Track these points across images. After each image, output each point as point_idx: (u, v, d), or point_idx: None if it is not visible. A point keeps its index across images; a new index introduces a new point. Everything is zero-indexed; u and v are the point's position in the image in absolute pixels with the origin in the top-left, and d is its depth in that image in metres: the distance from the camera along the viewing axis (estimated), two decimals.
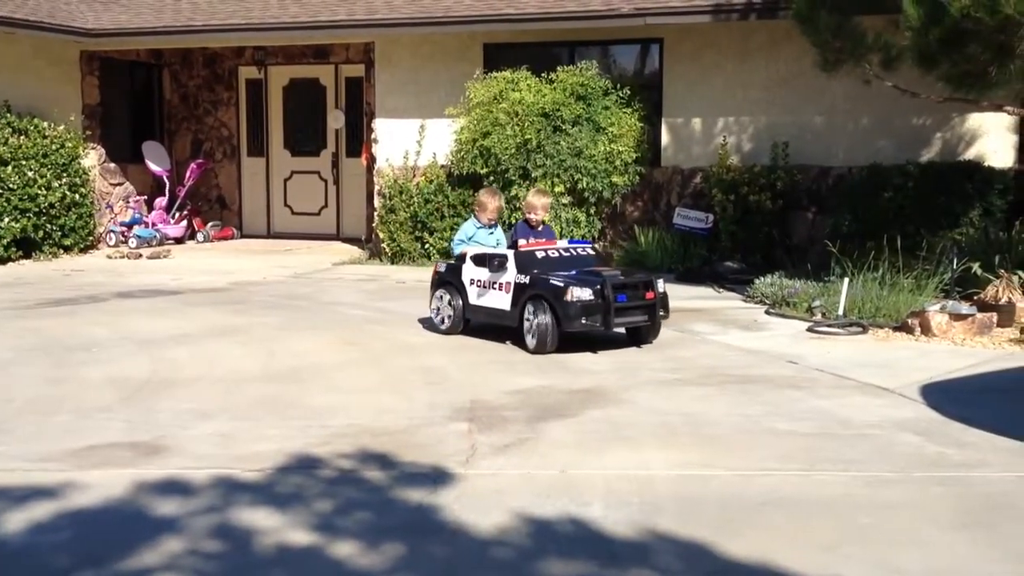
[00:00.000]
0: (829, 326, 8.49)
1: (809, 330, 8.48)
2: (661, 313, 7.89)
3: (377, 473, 5.00)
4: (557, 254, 8.10)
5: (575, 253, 8.18)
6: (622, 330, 7.99)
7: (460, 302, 8.34)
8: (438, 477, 4.95)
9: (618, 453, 5.34)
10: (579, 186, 12.03)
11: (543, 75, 12.52)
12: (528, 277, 7.84)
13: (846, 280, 8.96)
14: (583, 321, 7.58)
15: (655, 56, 13.10)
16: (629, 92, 12.32)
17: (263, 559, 4.04)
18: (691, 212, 12.21)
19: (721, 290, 10.72)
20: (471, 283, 8.27)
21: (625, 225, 12.81)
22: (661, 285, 7.90)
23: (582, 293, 7.57)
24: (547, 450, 5.41)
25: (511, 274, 7.95)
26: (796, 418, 5.97)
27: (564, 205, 12.13)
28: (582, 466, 5.13)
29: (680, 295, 10.37)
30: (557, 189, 11.96)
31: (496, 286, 8.06)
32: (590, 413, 6.09)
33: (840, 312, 8.73)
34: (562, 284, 7.61)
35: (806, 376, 7.01)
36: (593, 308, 7.57)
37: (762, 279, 10.12)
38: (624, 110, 12.26)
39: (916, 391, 6.53)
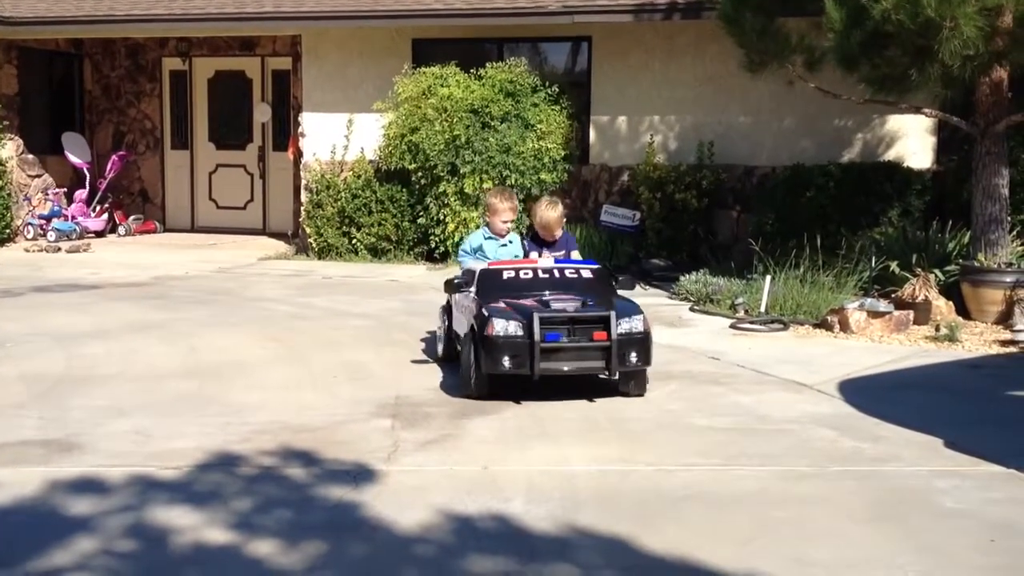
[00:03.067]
0: (751, 323, 8.61)
1: (732, 327, 8.60)
2: (635, 360, 6.14)
3: (298, 470, 4.95)
4: (530, 275, 6.57)
5: (559, 276, 6.61)
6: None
7: (448, 325, 7.19)
8: (359, 474, 4.92)
9: (540, 449, 5.36)
10: (508, 182, 12.01)
11: (472, 71, 12.49)
12: (483, 302, 6.37)
13: (768, 278, 9.10)
14: (506, 364, 6.03)
15: (584, 54, 13.16)
16: (558, 90, 12.36)
17: (179, 558, 3.97)
18: (618, 210, 12.29)
19: (647, 287, 10.81)
20: (455, 305, 7.03)
21: None
22: (634, 323, 6.15)
23: (508, 326, 6.03)
24: (469, 446, 5.40)
25: (472, 297, 6.55)
26: (716, 413, 6.05)
27: None
28: (504, 462, 5.14)
29: None
30: (486, 185, 11.94)
31: (464, 310, 6.69)
32: (513, 409, 6.10)
33: (762, 309, 8.86)
34: (486, 314, 6.15)
35: (727, 372, 7.10)
36: (520, 347, 6.02)
37: (687, 276, 10.23)
38: (553, 107, 12.30)
39: (834, 387, 6.66)
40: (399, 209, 12.57)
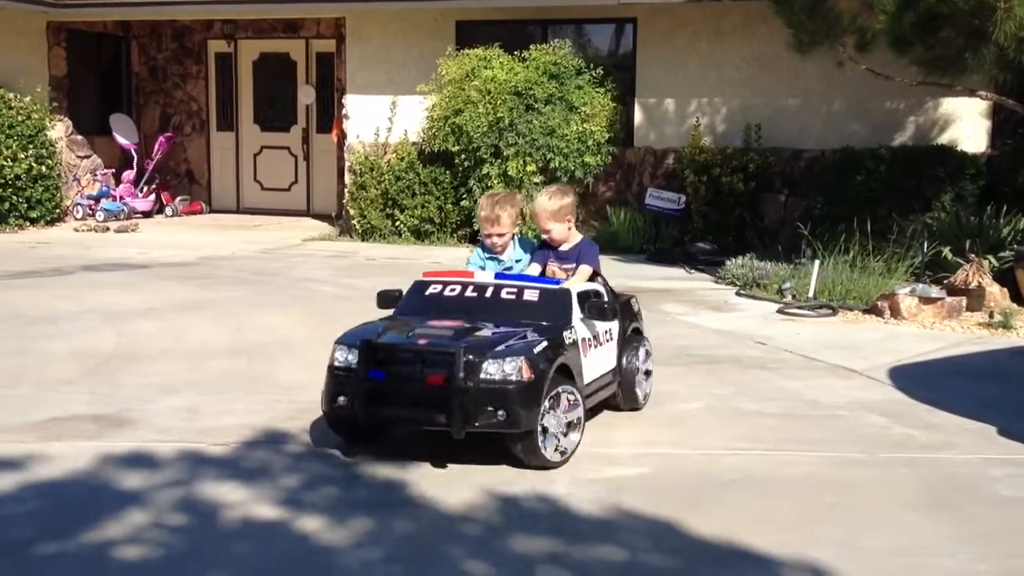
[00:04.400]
0: (799, 308, 8.51)
1: (779, 312, 8.50)
2: (500, 418, 4.51)
3: (345, 449, 4.96)
4: (457, 291, 5.11)
5: (491, 295, 5.06)
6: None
7: None
8: (405, 453, 4.91)
9: (585, 432, 5.32)
10: (551, 165, 11.98)
11: (516, 53, 12.44)
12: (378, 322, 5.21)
13: (817, 262, 9.00)
14: (340, 402, 4.73)
15: (629, 36, 13.06)
16: (602, 72, 12.28)
17: (228, 533, 4.01)
18: (663, 193, 12.20)
19: (692, 271, 10.73)
20: None
21: (597, 205, 12.78)
22: (506, 368, 4.53)
23: (348, 356, 4.75)
24: None
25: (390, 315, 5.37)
26: (764, 398, 5.98)
27: (536, 184, 12.08)
28: None
29: (651, 275, 10.43)
30: (529, 168, 11.92)
31: None
32: None
33: (810, 294, 8.76)
34: (339, 337, 4.95)
35: (775, 357, 7.02)
36: (350, 383, 4.68)
37: (733, 260, 10.14)
38: (597, 90, 12.22)
39: (884, 373, 6.56)
40: (442, 191, 12.56)
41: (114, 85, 16.34)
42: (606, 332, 5.32)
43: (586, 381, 5.03)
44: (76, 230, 13.75)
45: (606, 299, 5.35)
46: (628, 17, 12.79)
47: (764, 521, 4.16)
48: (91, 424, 5.30)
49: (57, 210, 14.22)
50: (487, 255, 5.57)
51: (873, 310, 8.35)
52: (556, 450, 4.70)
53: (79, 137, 15.26)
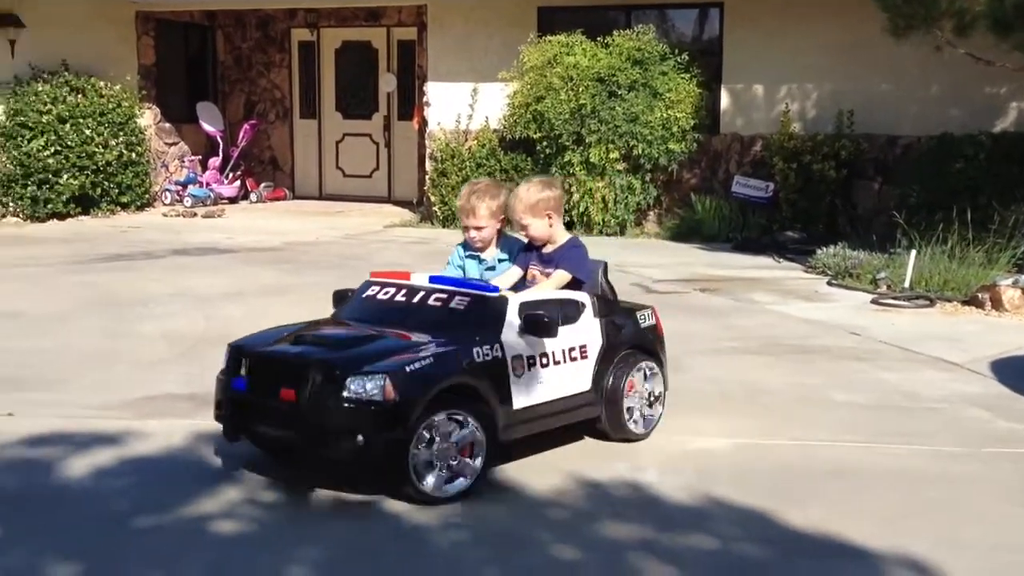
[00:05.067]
0: (895, 298, 8.29)
1: (873, 302, 8.28)
2: (360, 441, 3.93)
3: None
4: (389, 295, 4.56)
5: (416, 301, 4.47)
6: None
7: None
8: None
9: (673, 419, 5.25)
10: (634, 152, 11.85)
11: (599, 39, 12.32)
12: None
13: (913, 252, 8.74)
14: (218, 412, 4.38)
15: (715, 21, 12.84)
16: (688, 57, 12.09)
17: (319, 512, 4.03)
18: (751, 180, 11.99)
19: (781, 260, 10.53)
20: None
21: (682, 193, 12.61)
22: (367, 386, 3.94)
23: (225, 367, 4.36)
24: None
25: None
26: (858, 390, 5.83)
27: (619, 172, 11.98)
28: None
29: (738, 264, 10.27)
30: (612, 155, 11.80)
31: None
32: None
33: (906, 284, 8.52)
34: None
35: (869, 348, 6.84)
36: (221, 393, 4.36)
37: (824, 249, 9.91)
38: (682, 76, 12.05)
39: (986, 366, 6.34)
40: (523, 178, 12.49)
41: (200, 74, 16.60)
42: (571, 349, 4.55)
43: (521, 405, 4.31)
44: (164, 215, 14.01)
45: (585, 308, 4.65)
46: (715, 1, 12.57)
47: (860, 514, 4.05)
48: (185, 403, 5.37)
49: (146, 196, 14.50)
50: (467, 253, 4.96)
51: (973, 301, 8.09)
52: (439, 488, 4.05)
53: (167, 125, 15.52)
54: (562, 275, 4.71)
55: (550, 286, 4.69)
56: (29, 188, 12.78)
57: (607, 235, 12.06)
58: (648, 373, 4.94)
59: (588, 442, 4.86)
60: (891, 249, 9.39)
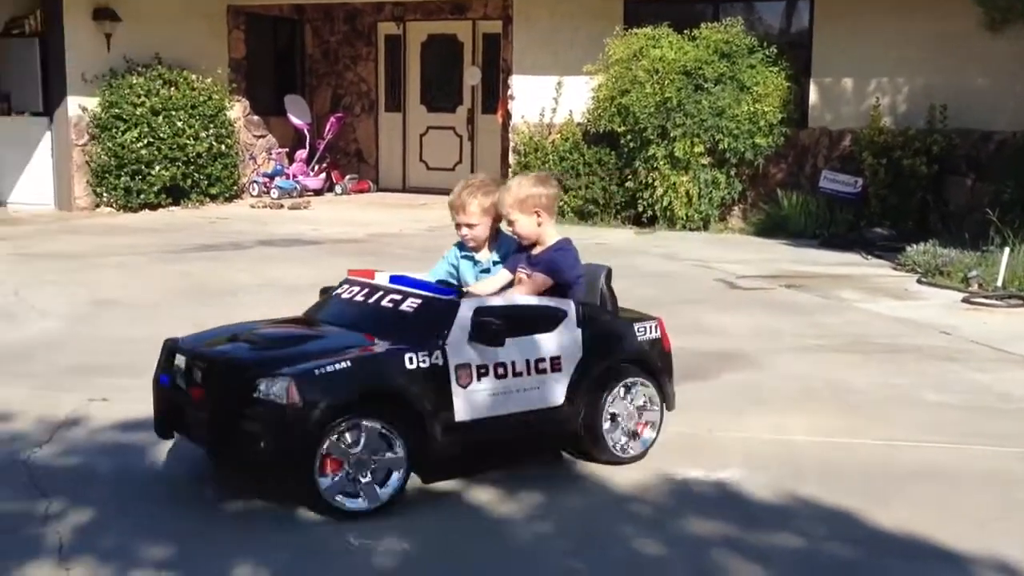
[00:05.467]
0: (987, 297, 8.07)
1: (964, 301, 8.07)
2: (263, 448, 3.80)
3: None
4: (351, 295, 4.43)
5: (371, 302, 4.31)
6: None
7: None
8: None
9: (757, 417, 5.22)
10: (720, 147, 11.72)
11: (685, 32, 12.22)
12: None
13: (1007, 250, 8.51)
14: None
15: (804, 13, 12.64)
16: (776, 50, 11.91)
17: (405, 501, 4.05)
18: (839, 175, 11.77)
19: (869, 257, 10.32)
20: None
21: (767, 188, 12.44)
22: (272, 389, 3.75)
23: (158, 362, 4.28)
24: (684, 410, 5.26)
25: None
26: (949, 390, 5.70)
27: (703, 166, 11.86)
28: (720, 428, 5.03)
29: (824, 261, 10.10)
30: (697, 149, 11.68)
31: None
32: (727, 376, 5.97)
33: (999, 283, 8.29)
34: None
35: (960, 348, 6.68)
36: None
37: (914, 247, 9.68)
38: (770, 69, 11.88)
39: None
40: (607, 172, 12.46)
41: (288, 67, 16.87)
42: (540, 361, 4.21)
43: (466, 417, 4.02)
44: (252, 206, 14.27)
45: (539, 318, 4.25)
46: None
47: (950, 515, 3.98)
48: None
49: (234, 187, 14.77)
50: (463, 254, 4.66)
51: None
52: (359, 499, 3.84)
53: (255, 117, 15.80)
54: (539, 279, 4.36)
55: (523, 291, 4.38)
56: (123, 179, 13.11)
57: (690, 230, 11.96)
58: (639, 391, 4.50)
59: (669, 437, 4.83)
60: (983, 247, 9.15)
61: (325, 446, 3.75)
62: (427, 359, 3.96)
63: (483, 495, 4.10)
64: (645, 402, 4.54)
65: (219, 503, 3.96)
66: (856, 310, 7.85)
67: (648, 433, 4.56)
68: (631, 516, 3.97)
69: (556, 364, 4.27)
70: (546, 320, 4.27)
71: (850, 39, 12.10)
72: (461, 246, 4.66)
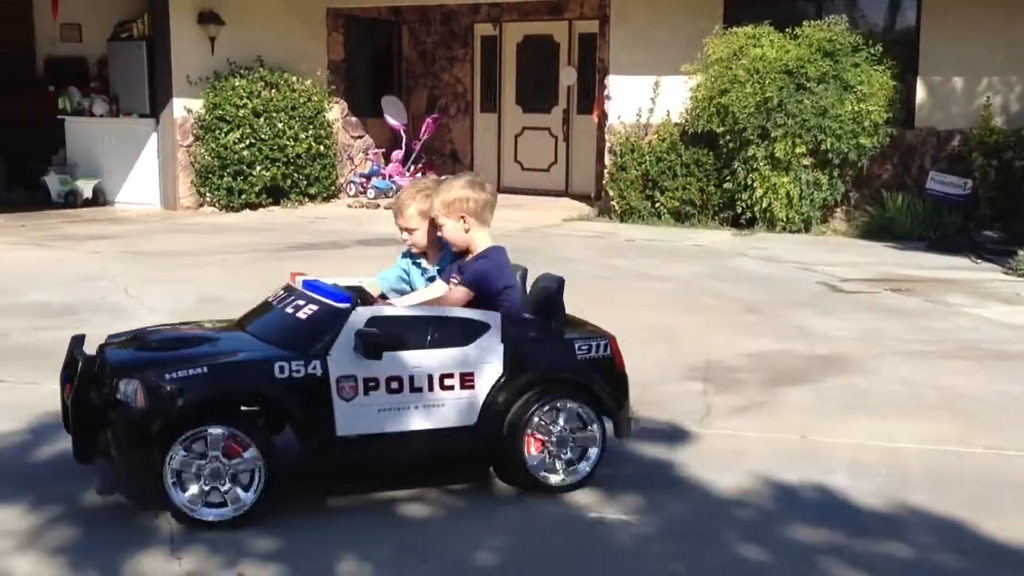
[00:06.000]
0: None
1: None
2: (109, 445, 3.78)
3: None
4: (274, 299, 4.25)
5: (278, 304, 4.16)
6: None
7: None
8: (674, 434, 4.86)
9: (862, 422, 5.10)
10: (822, 147, 11.48)
11: (787, 31, 12.00)
12: None
13: None
14: None
15: (911, 10, 12.31)
16: (881, 48, 11.62)
17: (504, 500, 4.07)
18: (947, 177, 11.43)
19: (979, 260, 10.00)
20: None
21: (871, 189, 12.14)
22: (128, 387, 3.68)
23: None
24: (786, 415, 5.22)
25: None
26: None
27: (805, 167, 11.63)
28: (824, 433, 4.93)
29: (931, 264, 9.82)
30: (798, 150, 11.46)
31: None
32: (831, 380, 5.84)
33: None
34: None
35: None
36: None
37: None
38: (875, 68, 11.59)
39: None
40: (704, 173, 12.31)
41: (386, 68, 17.06)
42: (447, 376, 3.92)
43: (349, 432, 3.79)
44: (349, 206, 14.46)
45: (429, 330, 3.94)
46: None
47: None
48: None
49: (332, 187, 14.99)
50: (412, 259, 4.45)
51: None
52: (197, 508, 3.68)
53: (353, 118, 16.03)
54: (459, 291, 4.06)
55: (425, 298, 4.16)
56: (225, 179, 13.40)
57: (790, 232, 11.74)
58: (572, 414, 4.11)
59: (774, 441, 4.75)
60: None
61: (174, 451, 3.61)
62: (302, 368, 3.74)
63: (582, 497, 4.07)
64: (577, 427, 4.12)
65: (320, 499, 4.00)
66: (965, 315, 7.61)
67: (582, 464, 4.13)
68: (733, 521, 3.91)
69: (467, 380, 3.95)
70: (458, 333, 3.95)
71: (958, 36, 11.75)
72: (409, 251, 4.47)
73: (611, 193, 13.16)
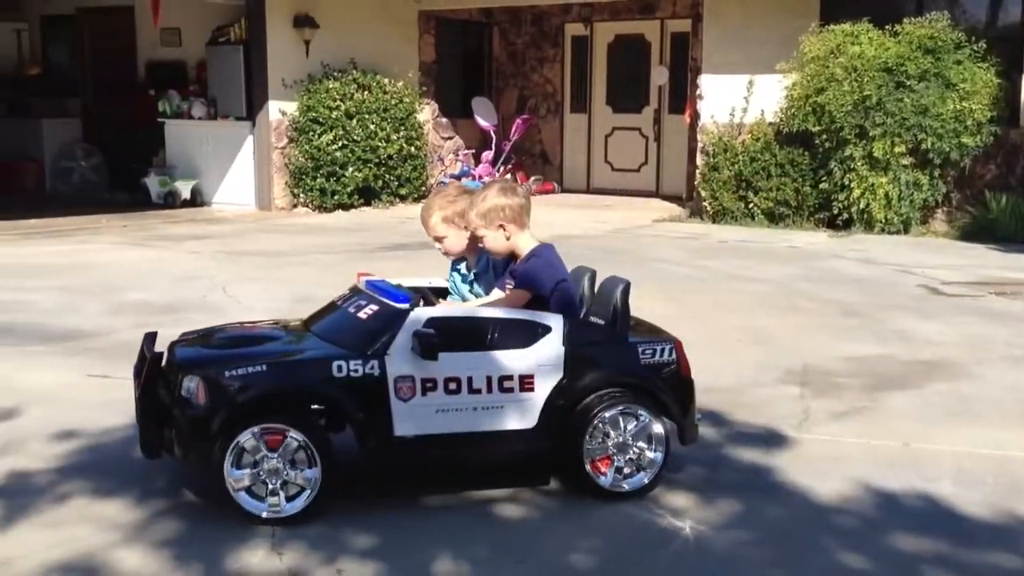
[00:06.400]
0: None
1: None
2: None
3: (708, 429, 4.85)
4: (342, 300, 4.28)
5: (349, 311, 4.11)
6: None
7: None
8: (771, 438, 4.78)
9: (967, 429, 4.94)
10: (923, 147, 11.19)
11: (886, 28, 11.73)
12: None
13: None
14: None
15: (1014, 6, 11.95)
16: (985, 45, 11.28)
17: (599, 501, 4.03)
18: None
19: None
20: None
21: (974, 190, 11.79)
22: (191, 384, 3.79)
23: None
24: (887, 421, 5.09)
25: None
26: None
27: (904, 167, 11.35)
28: (927, 440, 4.79)
29: None
30: (897, 149, 11.19)
31: None
32: (934, 386, 5.68)
33: None
34: None
35: None
36: None
37: None
38: (979, 65, 11.25)
39: None
40: (799, 173, 12.09)
41: (476, 69, 17.15)
42: (505, 379, 3.87)
43: (407, 432, 3.79)
44: None
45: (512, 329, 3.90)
46: None
47: None
48: None
49: (423, 188, 15.11)
50: (453, 265, 4.50)
51: None
52: (267, 510, 3.71)
53: (443, 119, 16.14)
54: (514, 294, 4.06)
55: (489, 301, 4.14)
56: (318, 180, 13.60)
57: (888, 233, 11.47)
58: (634, 421, 4.01)
59: (875, 448, 4.63)
60: None
61: (230, 448, 3.65)
62: (360, 368, 3.75)
63: (678, 499, 4.02)
64: (640, 434, 4.02)
65: (416, 496, 4.02)
66: None
67: (641, 474, 4.03)
68: (834, 528, 3.82)
69: (527, 383, 3.89)
70: (519, 335, 3.91)
71: None
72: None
73: (703, 193, 13.02)
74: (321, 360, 3.80)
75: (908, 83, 11.24)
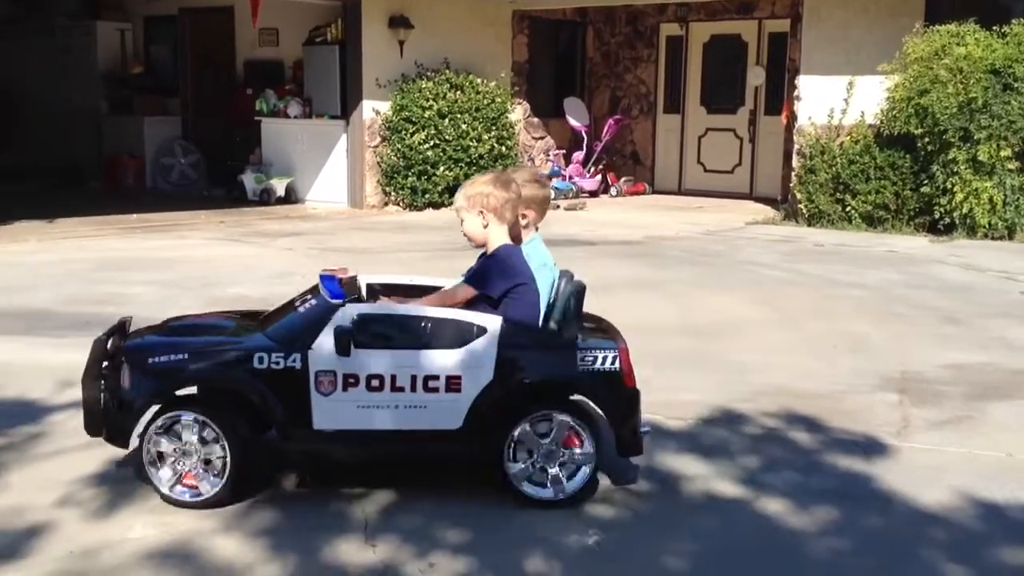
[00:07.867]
0: None
1: None
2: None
3: (803, 435, 4.78)
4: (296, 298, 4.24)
5: (299, 305, 4.06)
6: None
7: None
8: (869, 446, 4.65)
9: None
10: None
11: (993, 28, 11.37)
12: None
13: None
14: None
15: None
16: None
17: (691, 505, 3.99)
18: None
19: None
20: None
21: None
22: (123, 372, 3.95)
23: None
24: (990, 431, 4.93)
25: None
26: None
27: (1010, 171, 10.99)
28: None
29: None
30: (1003, 153, 10.85)
31: None
32: None
33: None
34: None
35: None
36: None
37: None
38: None
39: None
40: (900, 176, 11.80)
41: (568, 69, 17.12)
42: (430, 378, 3.78)
43: (327, 427, 3.79)
44: None
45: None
46: None
47: None
48: None
49: None
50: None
51: None
52: (171, 488, 3.82)
53: (535, 119, 16.14)
54: (457, 289, 4.08)
55: (440, 299, 4.07)
56: (410, 179, 13.72)
57: (993, 239, 11.11)
58: (565, 427, 3.87)
59: (978, 458, 4.48)
60: None
61: (149, 430, 3.82)
62: (282, 361, 3.79)
63: (772, 505, 3.94)
64: (566, 439, 3.88)
65: (505, 494, 4.00)
66: None
67: (570, 481, 3.89)
68: (935, 539, 3.70)
69: (454, 383, 3.79)
70: (453, 334, 3.83)
71: None
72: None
73: (799, 196, 12.79)
74: (244, 351, 3.87)
75: (1016, 85, 10.88)
